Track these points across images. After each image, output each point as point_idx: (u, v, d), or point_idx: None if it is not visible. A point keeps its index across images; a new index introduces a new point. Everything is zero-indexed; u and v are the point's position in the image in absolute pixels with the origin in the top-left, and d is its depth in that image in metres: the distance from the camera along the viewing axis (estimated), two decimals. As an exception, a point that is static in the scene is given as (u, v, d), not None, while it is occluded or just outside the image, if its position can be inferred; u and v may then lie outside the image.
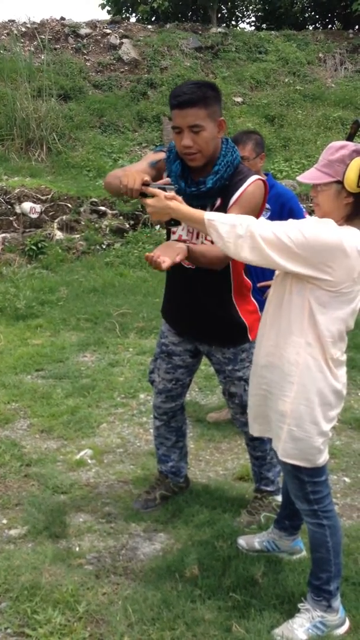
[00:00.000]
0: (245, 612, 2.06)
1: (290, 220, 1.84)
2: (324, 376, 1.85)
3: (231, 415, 2.73)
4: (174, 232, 2.41)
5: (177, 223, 2.06)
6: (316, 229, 1.76)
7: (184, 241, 2.32)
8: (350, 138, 1.94)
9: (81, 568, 2.35)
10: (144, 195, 1.97)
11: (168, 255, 1.98)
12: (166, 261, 1.96)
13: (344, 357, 1.91)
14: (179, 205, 1.91)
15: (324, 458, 1.91)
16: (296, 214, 3.12)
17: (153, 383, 2.75)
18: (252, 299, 2.54)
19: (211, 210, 2.26)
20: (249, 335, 2.46)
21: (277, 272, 1.97)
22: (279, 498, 2.65)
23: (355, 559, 2.31)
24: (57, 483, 2.96)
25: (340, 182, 1.78)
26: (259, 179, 2.27)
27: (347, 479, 3.00)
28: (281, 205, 3.14)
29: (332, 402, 1.90)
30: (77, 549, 2.49)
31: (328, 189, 1.81)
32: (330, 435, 1.93)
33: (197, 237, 2.34)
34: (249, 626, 1.99)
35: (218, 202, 2.28)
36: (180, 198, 1.95)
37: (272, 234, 1.75)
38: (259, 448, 2.65)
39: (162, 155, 2.38)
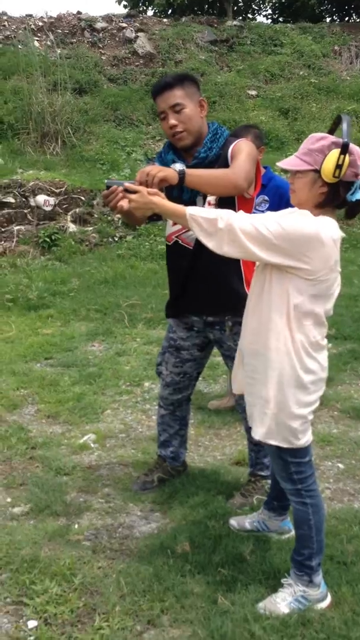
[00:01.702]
0: (232, 586, 2.16)
1: (270, 212, 1.92)
2: (304, 362, 1.92)
3: (235, 401, 2.80)
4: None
5: (158, 218, 2.14)
6: (294, 220, 1.84)
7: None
8: (332, 131, 2.00)
9: (79, 544, 2.46)
10: (127, 191, 2.06)
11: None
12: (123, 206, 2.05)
13: (324, 342, 1.98)
14: (162, 201, 2.00)
15: (306, 439, 1.99)
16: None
17: (160, 375, 2.85)
18: None
19: None
20: None
21: (257, 263, 2.05)
22: (273, 482, 2.74)
23: (341, 540, 2.39)
24: (60, 465, 3.08)
25: (317, 171, 1.86)
26: (245, 139, 2.45)
27: (341, 465, 3.07)
28: (280, 197, 3.24)
29: (312, 386, 1.97)
30: (76, 526, 2.60)
31: (305, 176, 1.89)
32: (311, 418, 2.01)
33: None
34: (234, 599, 2.08)
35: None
36: (162, 194, 2.04)
37: (251, 227, 1.83)
38: None
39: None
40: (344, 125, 1.85)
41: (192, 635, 1.96)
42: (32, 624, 2.04)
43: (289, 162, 1.91)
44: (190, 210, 1.92)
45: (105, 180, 2.14)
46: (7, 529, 2.54)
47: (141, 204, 1.99)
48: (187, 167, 2.33)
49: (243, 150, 2.33)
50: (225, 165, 2.35)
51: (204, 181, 2.22)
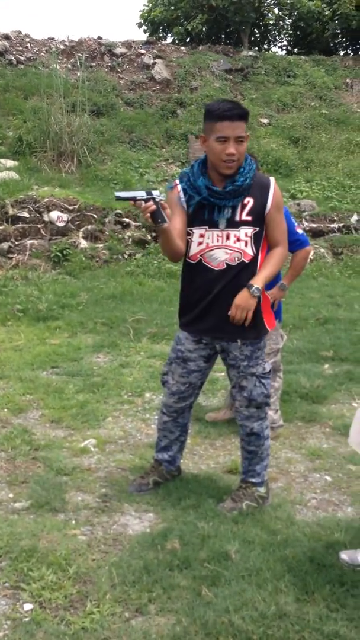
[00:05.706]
0: (216, 581, 2.29)
1: None
2: None
3: (235, 408, 2.93)
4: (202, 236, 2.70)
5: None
6: None
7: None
8: None
9: (75, 538, 2.61)
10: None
11: None
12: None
13: None
14: None
15: None
16: (288, 226, 3.48)
17: (165, 384, 3.00)
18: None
19: (243, 209, 2.64)
20: (266, 326, 2.80)
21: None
22: (262, 490, 2.88)
23: (322, 544, 2.53)
24: (61, 466, 3.23)
25: None
26: (272, 177, 2.76)
27: (328, 477, 3.21)
28: None
29: None
30: (74, 522, 2.74)
31: None
32: None
33: (227, 239, 2.67)
34: (217, 592, 2.22)
35: (250, 203, 2.64)
36: None
37: None
38: (254, 443, 2.87)
39: (177, 189, 2.69)
40: None
41: (177, 623, 2.10)
42: (28, 606, 2.19)
43: None
44: None
45: (116, 194, 2.43)
46: (8, 522, 2.69)
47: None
48: (221, 192, 2.59)
49: (280, 208, 2.70)
50: (261, 197, 2.65)
51: (272, 276, 2.71)
